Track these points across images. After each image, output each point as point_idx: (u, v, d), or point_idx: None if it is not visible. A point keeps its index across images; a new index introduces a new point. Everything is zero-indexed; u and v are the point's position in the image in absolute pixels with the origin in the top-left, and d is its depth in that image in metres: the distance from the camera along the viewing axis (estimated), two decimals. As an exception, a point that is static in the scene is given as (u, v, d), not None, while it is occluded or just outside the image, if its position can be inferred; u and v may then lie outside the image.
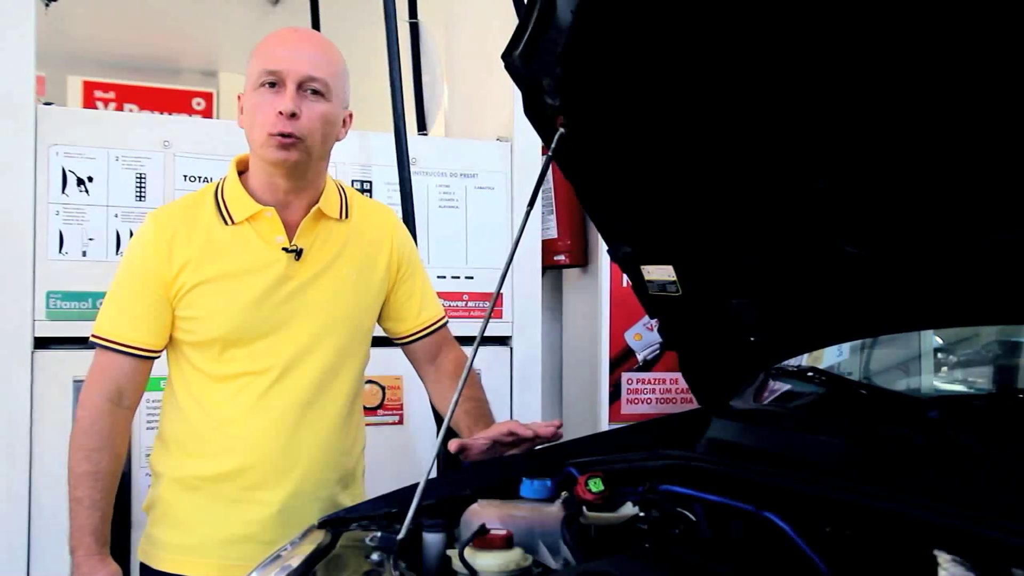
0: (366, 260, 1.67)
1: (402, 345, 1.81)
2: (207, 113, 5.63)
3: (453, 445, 1.52)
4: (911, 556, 1.00)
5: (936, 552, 0.94)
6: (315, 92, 1.51)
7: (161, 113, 5.09)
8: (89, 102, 5.38)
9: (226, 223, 1.56)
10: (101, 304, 2.08)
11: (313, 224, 1.60)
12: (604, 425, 2.63)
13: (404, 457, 2.31)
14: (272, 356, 1.56)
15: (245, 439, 1.54)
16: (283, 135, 1.48)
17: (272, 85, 1.50)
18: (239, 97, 1.58)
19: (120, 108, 5.34)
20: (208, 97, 5.69)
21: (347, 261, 1.64)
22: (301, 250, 1.57)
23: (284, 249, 1.56)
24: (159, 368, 1.62)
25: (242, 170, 1.62)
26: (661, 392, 2.69)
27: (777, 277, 1.49)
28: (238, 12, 4.97)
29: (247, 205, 1.56)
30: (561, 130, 1.47)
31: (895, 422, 1.32)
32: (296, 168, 1.53)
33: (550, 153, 1.48)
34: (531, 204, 1.51)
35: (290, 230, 1.58)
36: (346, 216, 1.66)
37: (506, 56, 1.46)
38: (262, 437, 1.55)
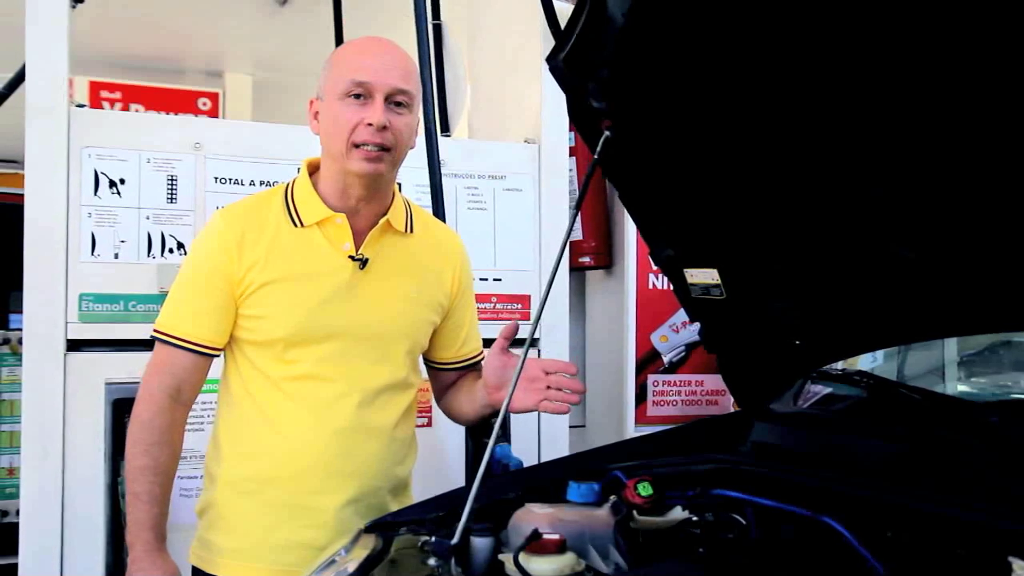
0: (427, 279, 1.67)
1: (431, 367, 1.80)
2: (213, 113, 5.60)
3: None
4: (982, 561, 0.99)
5: (1011, 559, 0.94)
6: (399, 104, 1.51)
7: (168, 114, 5.07)
8: (95, 102, 5.35)
9: (295, 225, 1.56)
10: (134, 306, 2.11)
11: (380, 235, 1.59)
12: (631, 427, 2.62)
13: (433, 459, 2.30)
14: (333, 362, 1.55)
15: (303, 444, 1.53)
16: (373, 147, 1.48)
17: (358, 96, 1.49)
18: (311, 103, 1.57)
19: (126, 108, 5.32)
20: (214, 97, 5.66)
21: (410, 277, 1.63)
22: (367, 260, 1.57)
23: (351, 257, 1.56)
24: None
25: (311, 172, 1.61)
26: (687, 394, 2.69)
27: (824, 280, 1.48)
28: (245, 12, 4.94)
29: (318, 209, 1.55)
30: (607, 133, 1.47)
31: (952, 426, 1.31)
32: (378, 179, 1.54)
33: (596, 157, 1.47)
34: (577, 207, 1.51)
35: (357, 238, 1.57)
36: (410, 231, 1.65)
37: (551, 59, 1.45)
38: (320, 443, 1.54)
